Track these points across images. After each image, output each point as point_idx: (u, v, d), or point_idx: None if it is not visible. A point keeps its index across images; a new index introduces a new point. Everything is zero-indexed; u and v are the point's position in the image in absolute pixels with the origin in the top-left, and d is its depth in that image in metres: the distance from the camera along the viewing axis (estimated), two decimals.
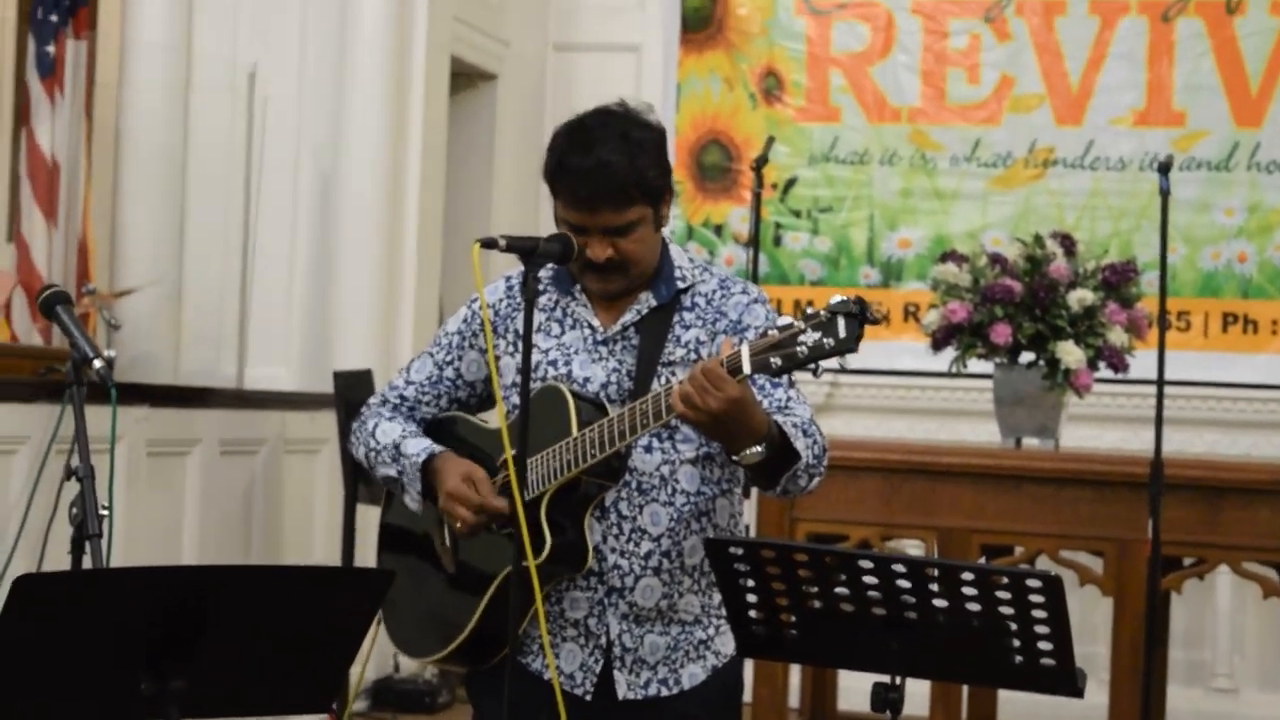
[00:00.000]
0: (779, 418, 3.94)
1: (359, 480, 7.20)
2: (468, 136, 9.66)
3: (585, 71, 9.61)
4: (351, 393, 7.24)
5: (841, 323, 3.60)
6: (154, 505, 6.78)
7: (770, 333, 3.69)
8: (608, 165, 3.97)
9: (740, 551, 4.01)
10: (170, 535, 6.93)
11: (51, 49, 8.59)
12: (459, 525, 4.12)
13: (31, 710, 3.79)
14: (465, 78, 9.59)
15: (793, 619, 4.04)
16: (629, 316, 4.17)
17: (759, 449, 3.83)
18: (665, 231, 4.23)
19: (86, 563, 4.12)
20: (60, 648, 3.62)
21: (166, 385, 7.57)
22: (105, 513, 4.18)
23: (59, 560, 4.69)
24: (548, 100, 9.57)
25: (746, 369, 3.71)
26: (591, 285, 4.10)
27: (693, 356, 4.12)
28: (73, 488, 4.24)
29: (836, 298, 3.63)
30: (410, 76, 8.74)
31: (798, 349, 3.65)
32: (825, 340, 3.62)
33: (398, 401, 4.39)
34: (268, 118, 8.67)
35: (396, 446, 4.27)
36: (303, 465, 7.87)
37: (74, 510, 4.17)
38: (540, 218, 4.11)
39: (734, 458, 3.91)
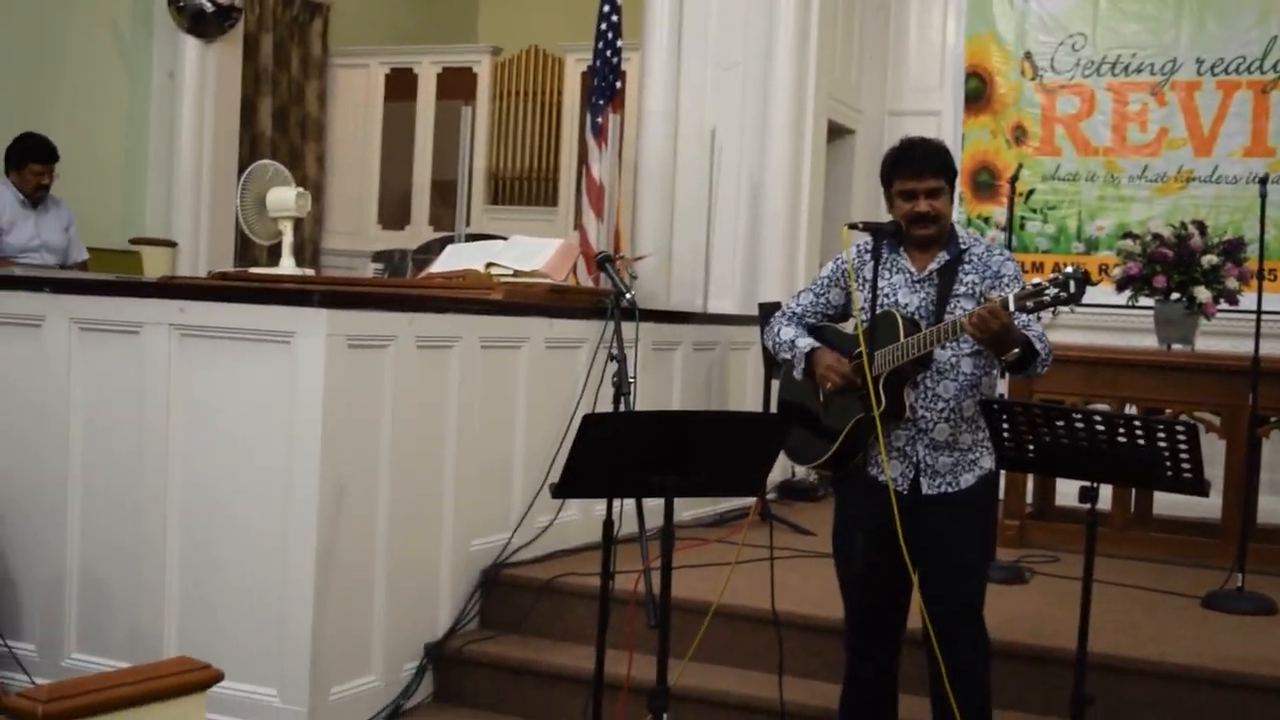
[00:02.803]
0: (1026, 332, 3.98)
1: (772, 365, 7.24)
2: (837, 167, 9.60)
3: (907, 127, 9.39)
4: (768, 315, 7.26)
5: (1073, 284, 3.72)
6: (656, 378, 6.88)
7: (1028, 286, 3.80)
8: (927, 144, 4.21)
9: (999, 407, 4.00)
10: (664, 395, 7.04)
11: (599, 119, 8.73)
12: (829, 385, 4.18)
13: (595, 490, 3.92)
14: (836, 132, 9.50)
15: (1030, 447, 4.01)
16: (933, 265, 4.22)
17: (1016, 351, 3.91)
18: (956, 216, 4.29)
19: (622, 407, 4.22)
20: (608, 454, 3.71)
21: (663, 310, 7.67)
22: (632, 381, 4.27)
23: (605, 406, 4.81)
24: (884, 147, 9.41)
25: (1012, 307, 3.80)
26: (915, 231, 4.18)
27: (971, 293, 4.13)
28: (613, 367, 4.34)
29: (1070, 267, 3.81)
30: (804, 130, 8.69)
31: (1044, 297, 3.77)
32: (1062, 293, 3.77)
33: (791, 315, 4.44)
34: (721, 155, 8.70)
35: (792, 342, 4.34)
36: (739, 357, 7.91)
37: (615, 379, 4.26)
38: (877, 218, 4.12)
39: (1000, 357, 3.98)
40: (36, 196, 7.47)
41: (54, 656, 5.25)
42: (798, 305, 4.43)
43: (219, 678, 2.57)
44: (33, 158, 7.45)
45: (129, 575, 5.10)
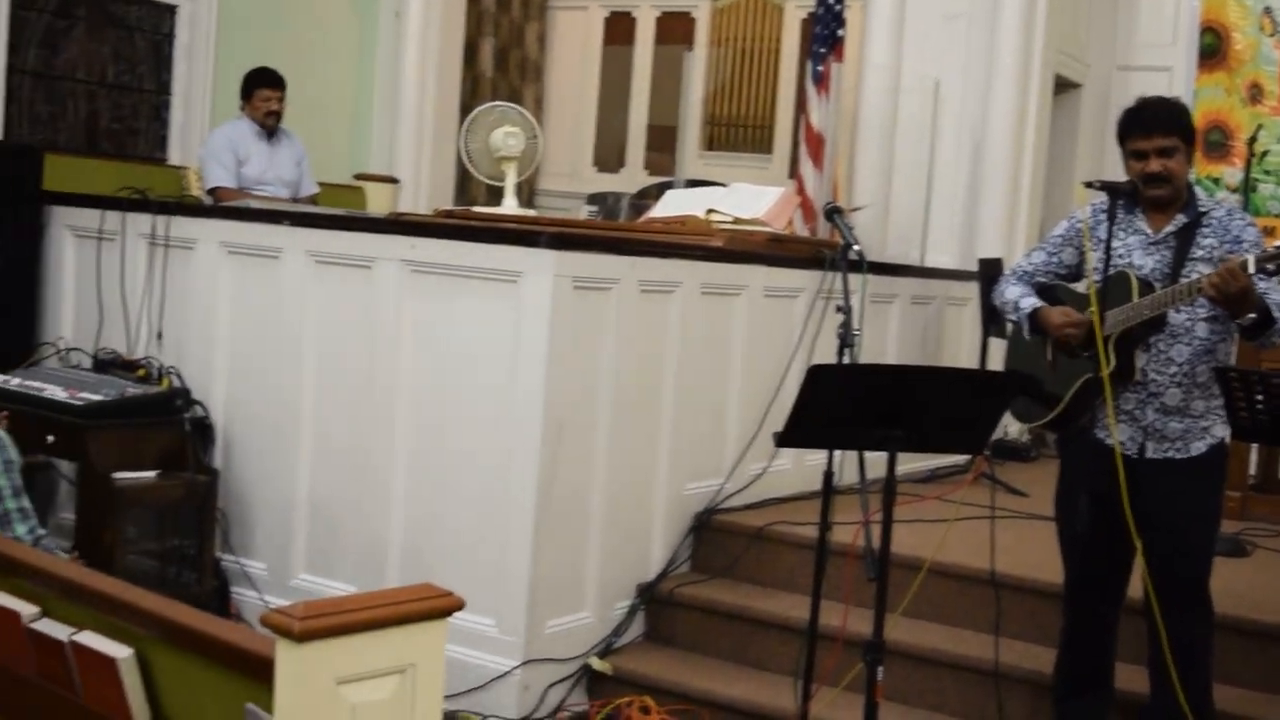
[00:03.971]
0: (1265, 299, 3.88)
1: (990, 323, 7.14)
2: (1062, 123, 9.40)
3: (1136, 83, 9.18)
4: (987, 271, 7.17)
5: None
6: (872, 331, 6.79)
7: (1270, 249, 3.70)
8: (1161, 102, 4.11)
9: (1235, 375, 3.91)
10: (879, 348, 6.99)
11: (821, 67, 8.67)
12: (1069, 340, 4.13)
13: (818, 440, 3.92)
14: (1062, 86, 9.30)
15: (1262, 417, 3.91)
16: (1170, 227, 4.13)
17: (1252, 315, 3.81)
18: (1190, 177, 4.22)
19: (846, 359, 4.21)
20: (834, 405, 3.71)
21: (880, 262, 7.57)
22: (857, 333, 4.25)
23: (821, 357, 4.80)
24: (1111, 103, 9.20)
25: (1252, 269, 3.70)
26: (1148, 191, 4.09)
27: (1209, 257, 4.03)
28: (834, 318, 4.32)
29: None
30: (1029, 84, 8.52)
31: None
32: None
33: (1022, 274, 4.39)
34: (943, 107, 8.59)
35: (1016, 303, 4.29)
36: (956, 313, 7.81)
37: (840, 330, 4.24)
38: (1102, 174, 4.01)
39: (1235, 320, 3.88)
40: (268, 124, 7.67)
41: (283, 576, 5.47)
42: (1029, 264, 4.38)
43: (460, 606, 2.64)
44: (260, 84, 7.66)
45: (356, 501, 5.28)
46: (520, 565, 4.88)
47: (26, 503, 3.98)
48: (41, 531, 4.03)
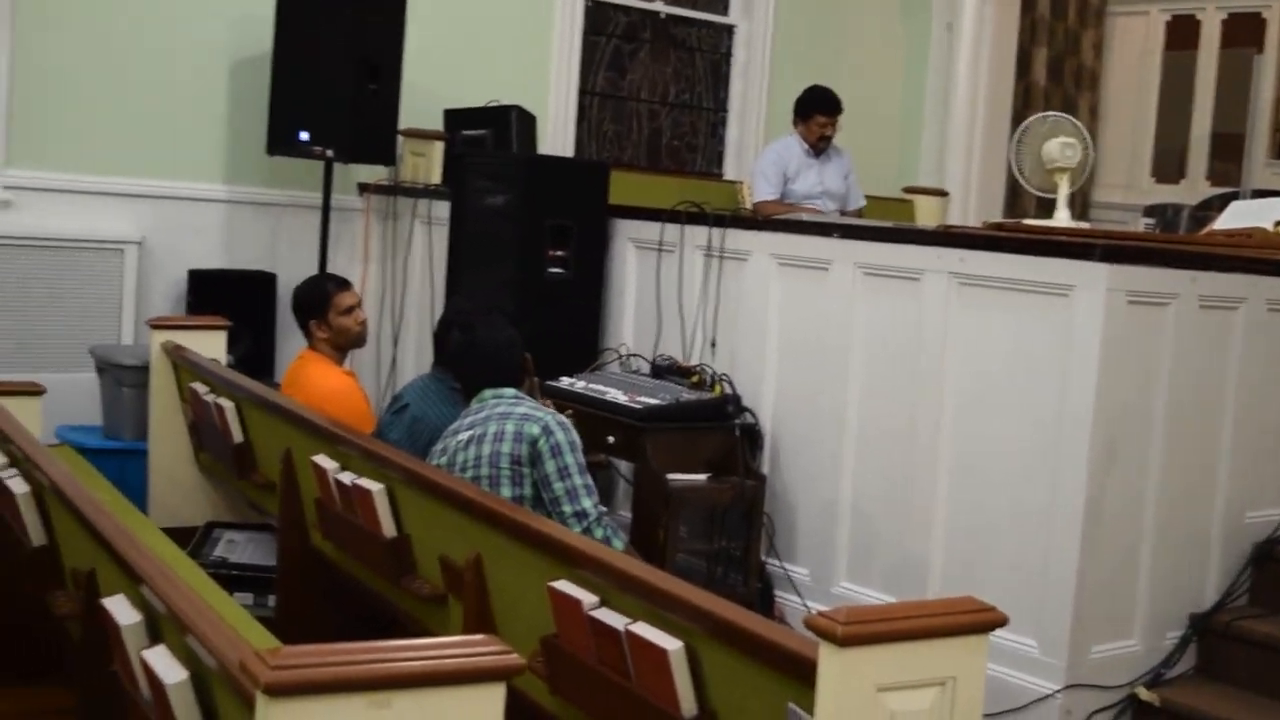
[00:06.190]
0: None
1: None
2: None
3: None
4: None
5: None
6: None
7: None
8: None
9: None
10: None
11: None
12: None
13: None
14: None
15: None
16: None
17: None
18: None
19: None
20: None
21: None
22: None
23: None
24: None
25: None
26: None
27: None
28: None
29: None
30: None
31: None
32: None
33: None
34: None
35: None
36: None
37: None
38: None
39: None
40: (819, 147, 7.89)
41: (825, 583, 5.56)
42: None
43: (1003, 622, 2.62)
44: (818, 109, 7.88)
45: (897, 512, 5.30)
46: (1065, 587, 4.75)
47: (590, 480, 4.30)
48: (604, 509, 4.33)
